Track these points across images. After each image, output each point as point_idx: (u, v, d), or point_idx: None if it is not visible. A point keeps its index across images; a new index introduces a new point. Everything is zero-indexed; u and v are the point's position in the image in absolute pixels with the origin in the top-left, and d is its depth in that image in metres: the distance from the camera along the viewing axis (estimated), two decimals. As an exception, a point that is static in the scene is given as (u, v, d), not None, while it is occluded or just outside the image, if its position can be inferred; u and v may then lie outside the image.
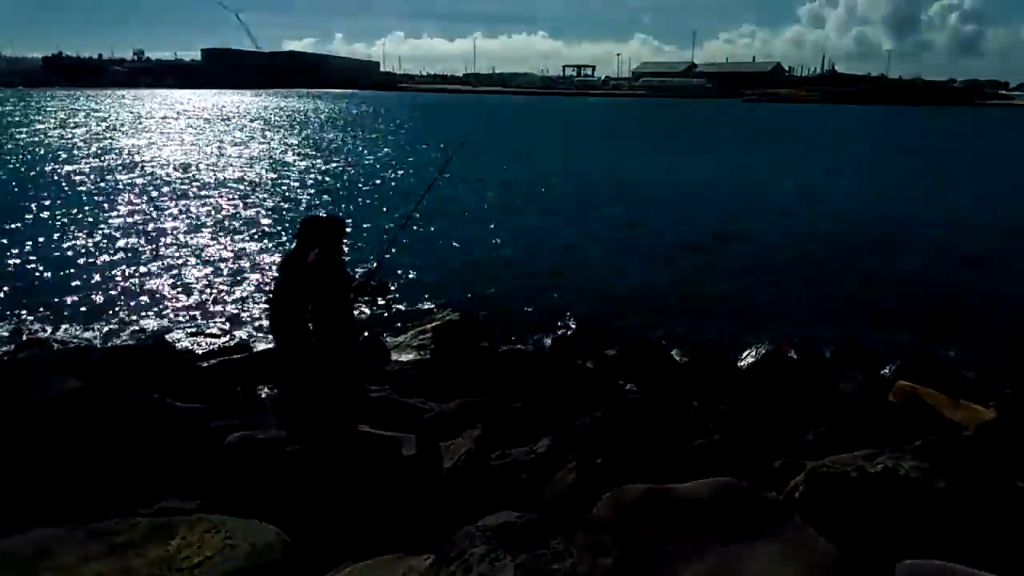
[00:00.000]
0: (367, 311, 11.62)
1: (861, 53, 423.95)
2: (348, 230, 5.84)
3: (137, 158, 35.83)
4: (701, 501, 4.47)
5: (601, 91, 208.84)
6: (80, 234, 18.22)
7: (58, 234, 18.09)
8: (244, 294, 13.60)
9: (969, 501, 4.34)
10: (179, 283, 14.20)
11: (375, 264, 6.33)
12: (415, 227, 14.94)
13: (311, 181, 29.54)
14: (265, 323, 12.04)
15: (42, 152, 37.35)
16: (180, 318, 12.22)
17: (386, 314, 12.21)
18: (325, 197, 25.51)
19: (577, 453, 5.76)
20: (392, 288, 12.91)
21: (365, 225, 19.23)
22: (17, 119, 62.63)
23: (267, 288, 13.98)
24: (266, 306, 12.86)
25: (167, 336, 10.83)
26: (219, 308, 12.79)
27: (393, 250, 11.58)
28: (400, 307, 12.72)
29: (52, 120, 62.42)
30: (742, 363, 10.49)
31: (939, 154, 48.58)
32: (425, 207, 9.88)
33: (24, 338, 10.71)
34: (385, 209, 23.12)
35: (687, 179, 31.96)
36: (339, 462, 5.26)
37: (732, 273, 15.88)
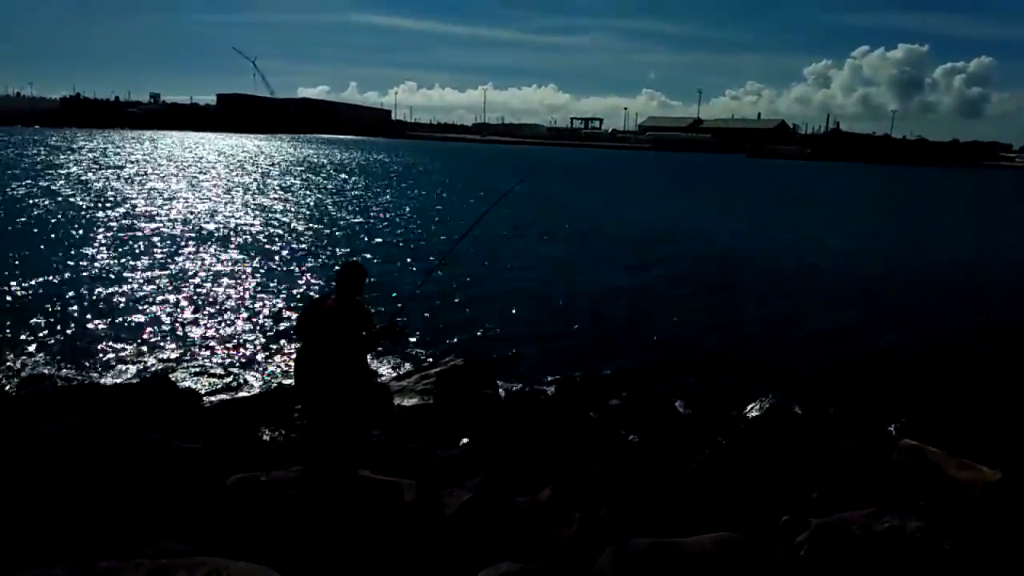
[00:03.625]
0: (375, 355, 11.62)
1: (866, 113, 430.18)
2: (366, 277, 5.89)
3: (148, 198, 36.29)
4: (704, 556, 4.44)
5: (607, 143, 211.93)
6: (86, 271, 18.38)
7: (63, 271, 18.25)
8: (248, 334, 13.64)
9: (975, 563, 4.29)
10: (184, 322, 14.26)
11: (399, 307, 6.43)
12: (435, 272, 15.04)
13: (323, 225, 29.84)
14: (268, 363, 12.08)
15: (52, 190, 37.90)
16: (184, 357, 12.24)
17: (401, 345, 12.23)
18: (337, 242, 25.74)
19: (579, 503, 5.71)
20: (408, 331, 12.94)
21: (389, 268, 19.37)
22: (34, 159, 63.67)
23: (272, 329, 14.02)
24: (274, 347, 12.91)
25: (170, 375, 10.83)
26: (223, 348, 12.82)
27: (417, 291, 11.65)
28: (405, 351, 12.72)
29: (65, 160, 63.46)
30: (746, 417, 10.44)
31: (946, 214, 48.95)
32: (448, 254, 9.98)
33: (27, 374, 10.73)
34: (406, 254, 23.31)
35: (695, 231, 32.20)
36: (340, 506, 5.22)
37: (737, 326, 15.89)
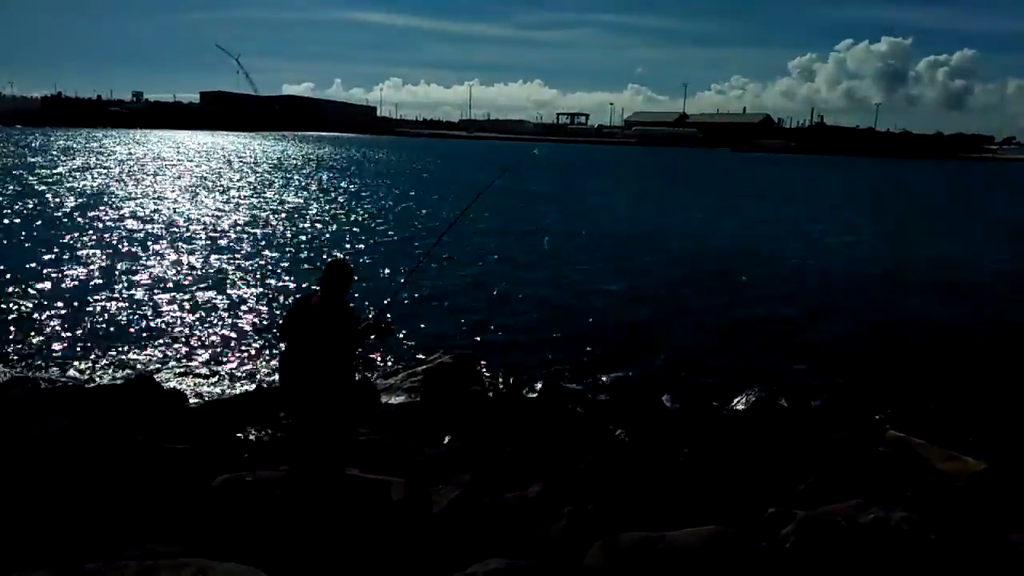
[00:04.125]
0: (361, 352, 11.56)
1: (850, 106, 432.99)
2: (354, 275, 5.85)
3: (129, 198, 35.96)
4: (692, 550, 4.45)
5: (594, 139, 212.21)
6: (67, 272, 18.19)
7: (46, 272, 18.04)
8: (233, 334, 13.55)
9: (960, 553, 4.33)
10: (168, 322, 14.14)
11: (385, 304, 6.40)
12: (420, 267, 14.96)
13: (307, 224, 29.69)
14: (254, 362, 12.01)
15: (32, 191, 37.48)
16: (169, 357, 12.14)
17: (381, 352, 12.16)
18: (322, 240, 25.62)
19: (568, 499, 5.72)
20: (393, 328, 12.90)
21: (373, 266, 19.27)
22: (12, 159, 62.91)
23: (257, 328, 13.94)
24: (260, 346, 12.84)
25: (155, 375, 10.74)
26: (208, 347, 12.73)
27: (399, 295, 11.59)
28: (392, 349, 12.68)
29: (45, 160, 62.75)
30: (733, 411, 10.49)
31: (931, 207, 49.37)
32: (433, 250, 9.87)
33: (10, 376, 10.61)
34: (392, 252, 23.24)
35: (680, 226, 32.30)
36: (327, 506, 5.20)
37: (723, 320, 15.94)
